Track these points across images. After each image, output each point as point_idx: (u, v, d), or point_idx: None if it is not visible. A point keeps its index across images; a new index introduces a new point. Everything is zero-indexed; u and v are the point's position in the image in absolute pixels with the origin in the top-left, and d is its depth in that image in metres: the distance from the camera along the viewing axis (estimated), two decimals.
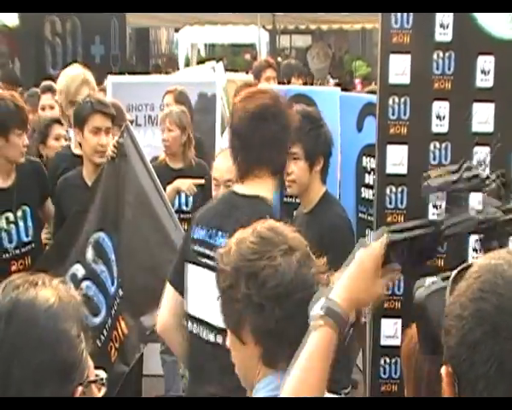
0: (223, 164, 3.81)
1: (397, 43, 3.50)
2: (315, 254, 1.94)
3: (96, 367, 1.61)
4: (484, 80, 3.23)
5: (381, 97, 4.21)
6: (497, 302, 1.12)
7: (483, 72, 3.29)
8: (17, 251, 4.47)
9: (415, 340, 1.83)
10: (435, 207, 4.12)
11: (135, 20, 12.39)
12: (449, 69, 3.62)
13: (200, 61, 15.19)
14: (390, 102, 3.49)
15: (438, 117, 3.37)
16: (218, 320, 2.33)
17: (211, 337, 2.85)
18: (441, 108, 3.40)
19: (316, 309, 1.69)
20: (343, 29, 15.58)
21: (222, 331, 2.55)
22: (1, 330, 1.49)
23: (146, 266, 3.89)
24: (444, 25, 3.29)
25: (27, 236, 4.50)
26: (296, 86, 6.35)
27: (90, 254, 4.15)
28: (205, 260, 2.87)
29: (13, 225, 4.44)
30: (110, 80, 7.06)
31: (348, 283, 1.71)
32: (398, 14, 3.36)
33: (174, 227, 4.00)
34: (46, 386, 1.48)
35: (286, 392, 1.64)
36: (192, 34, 17.02)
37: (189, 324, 2.94)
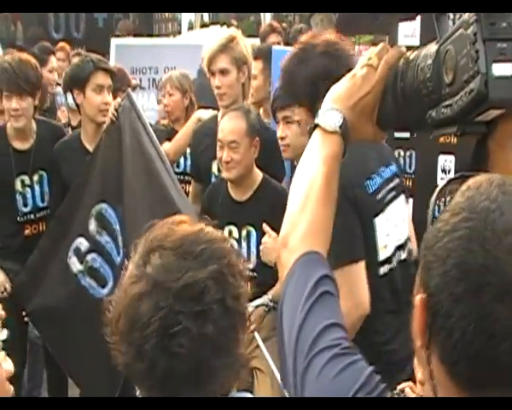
0: (227, 125, 3.77)
1: None
2: None
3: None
4: None
5: None
6: (484, 261, 1.06)
7: None
8: (31, 216, 4.45)
9: None
10: (444, 171, 4.09)
11: None
12: None
13: (204, 25, 15.04)
14: None
15: None
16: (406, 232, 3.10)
17: (403, 255, 3.08)
18: None
19: (328, 119, 1.59)
20: None
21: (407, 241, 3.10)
22: None
23: None
24: None
25: (43, 201, 4.47)
26: None
27: (92, 226, 4.09)
28: (388, 196, 3.03)
29: (28, 189, 4.42)
30: (113, 43, 6.97)
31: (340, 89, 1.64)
32: None
33: (178, 195, 3.94)
34: None
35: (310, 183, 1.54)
36: None
37: (381, 269, 3.00)
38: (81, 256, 4.12)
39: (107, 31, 10.89)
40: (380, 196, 3.02)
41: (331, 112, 1.58)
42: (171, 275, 1.49)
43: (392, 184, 3.10)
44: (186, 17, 17.22)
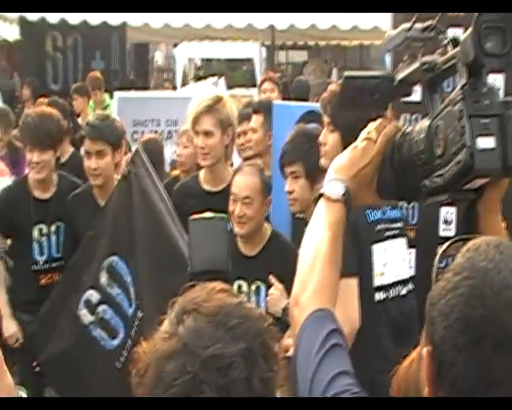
0: (242, 181, 3.82)
1: None
2: None
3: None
4: None
5: None
6: (484, 313, 1.17)
7: None
8: (47, 265, 4.53)
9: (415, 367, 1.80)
10: (446, 222, 4.19)
11: (134, 35, 12.44)
12: None
13: (200, 77, 15.24)
14: None
15: None
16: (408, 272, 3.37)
17: (403, 291, 3.32)
18: None
19: (331, 188, 1.73)
20: (341, 45, 15.66)
21: (411, 279, 3.38)
22: None
23: (162, 287, 3.90)
24: None
25: (58, 252, 4.55)
26: (308, 103, 6.39)
27: (104, 278, 4.14)
28: (389, 232, 3.28)
29: (45, 238, 4.51)
30: (116, 96, 7.10)
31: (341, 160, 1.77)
32: None
33: (187, 248, 3.98)
34: None
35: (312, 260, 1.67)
36: (189, 49, 17.12)
37: (377, 295, 3.23)
38: (92, 308, 4.17)
39: (104, 82, 11.08)
40: (379, 227, 3.26)
41: (334, 182, 1.74)
42: (201, 341, 1.47)
43: (395, 225, 3.35)
44: (180, 68, 17.50)
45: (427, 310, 1.26)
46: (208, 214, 2.02)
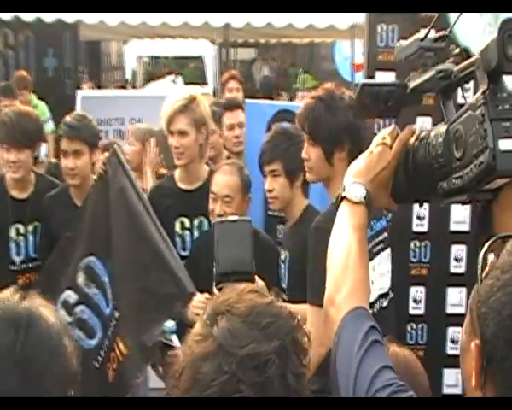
0: (221, 179, 3.86)
1: None
2: None
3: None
4: None
5: None
6: None
7: None
8: (24, 265, 4.49)
9: None
10: (418, 218, 4.28)
11: (87, 33, 12.32)
12: None
13: (152, 75, 15.17)
14: None
15: None
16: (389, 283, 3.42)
17: (385, 303, 3.37)
18: None
19: (353, 191, 1.79)
20: (292, 43, 15.74)
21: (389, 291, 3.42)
22: (19, 341, 1.50)
23: (140, 286, 3.91)
24: None
25: (35, 252, 4.51)
26: (281, 102, 6.45)
27: (81, 279, 4.12)
28: (377, 248, 3.29)
29: (22, 238, 4.47)
30: (80, 94, 7.05)
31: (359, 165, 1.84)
32: None
33: (166, 246, 4.00)
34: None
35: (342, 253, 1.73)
36: (139, 47, 17.02)
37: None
38: (69, 308, 4.15)
39: (56, 80, 11.01)
40: (369, 247, 3.26)
41: (355, 185, 1.80)
42: (236, 341, 1.51)
43: (381, 237, 3.36)
44: (130, 65, 17.40)
45: (473, 306, 1.30)
46: (233, 217, 2.10)
